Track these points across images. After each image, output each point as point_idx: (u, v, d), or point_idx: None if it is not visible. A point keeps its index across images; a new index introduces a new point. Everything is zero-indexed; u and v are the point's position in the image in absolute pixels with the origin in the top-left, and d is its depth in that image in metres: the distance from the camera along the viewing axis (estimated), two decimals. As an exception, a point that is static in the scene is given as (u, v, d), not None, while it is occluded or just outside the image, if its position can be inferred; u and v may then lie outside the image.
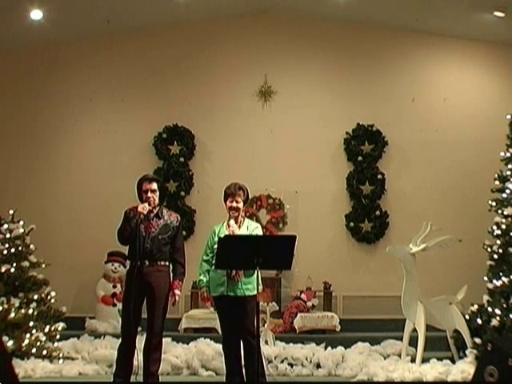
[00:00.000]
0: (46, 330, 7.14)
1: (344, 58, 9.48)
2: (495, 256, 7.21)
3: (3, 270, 7.11)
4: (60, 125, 9.34)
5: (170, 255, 5.76)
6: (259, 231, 5.81)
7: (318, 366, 7.14)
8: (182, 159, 9.23)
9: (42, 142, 9.26)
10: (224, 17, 9.33)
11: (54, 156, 9.30)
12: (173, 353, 7.10)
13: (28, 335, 6.90)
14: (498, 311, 6.79)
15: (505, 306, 6.80)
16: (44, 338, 7.03)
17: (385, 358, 7.18)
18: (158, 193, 5.76)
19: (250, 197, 6.02)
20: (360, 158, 9.24)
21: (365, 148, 9.26)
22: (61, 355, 7.01)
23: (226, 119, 9.34)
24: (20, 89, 9.31)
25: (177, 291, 5.71)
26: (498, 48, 9.30)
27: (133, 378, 5.75)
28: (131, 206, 5.82)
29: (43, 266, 7.48)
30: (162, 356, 5.81)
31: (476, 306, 7.13)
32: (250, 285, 5.56)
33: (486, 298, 7.10)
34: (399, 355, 7.13)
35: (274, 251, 5.13)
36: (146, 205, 5.66)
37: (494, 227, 7.32)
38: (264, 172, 9.11)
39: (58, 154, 9.31)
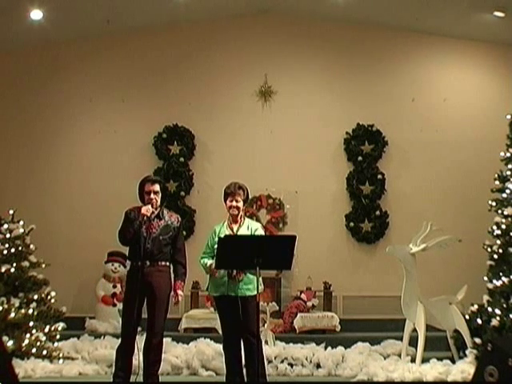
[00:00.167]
0: (46, 330, 7.14)
1: (344, 58, 9.48)
2: (495, 256, 7.21)
3: (3, 269, 7.11)
4: (60, 125, 9.34)
5: (171, 256, 5.77)
6: (261, 231, 5.81)
7: (318, 365, 7.14)
8: (182, 159, 9.24)
9: (42, 142, 9.26)
10: (224, 17, 9.33)
11: (54, 156, 9.30)
12: (173, 353, 7.10)
13: (28, 335, 6.90)
14: (497, 311, 6.79)
15: (505, 306, 6.80)
16: (44, 338, 7.03)
17: (385, 358, 7.18)
18: (160, 194, 5.77)
19: (250, 196, 6.02)
20: (360, 158, 9.24)
21: (365, 148, 9.26)
22: (61, 355, 7.01)
23: (226, 119, 9.34)
24: (20, 89, 9.31)
25: (180, 292, 5.72)
26: (498, 48, 9.31)
27: (133, 378, 5.75)
28: (132, 207, 5.82)
29: (43, 265, 7.48)
30: (162, 356, 5.81)
31: (476, 306, 7.13)
32: (251, 285, 5.56)
33: (486, 297, 7.10)
34: (399, 355, 7.13)
35: (274, 251, 5.13)
36: (150, 207, 5.66)
37: (494, 227, 7.32)
38: (264, 172, 9.11)
39: (58, 154, 9.31)
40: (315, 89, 9.45)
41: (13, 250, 7.30)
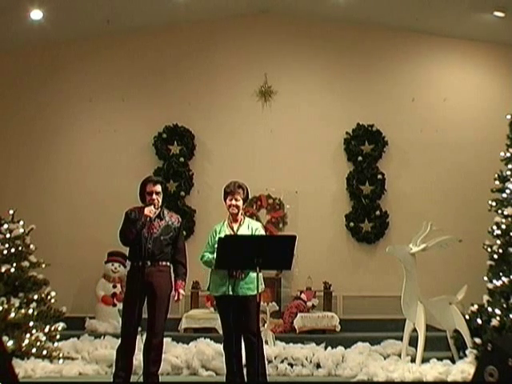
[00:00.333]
0: (46, 330, 7.14)
1: (344, 58, 9.48)
2: (495, 256, 7.21)
3: (3, 270, 7.11)
4: (60, 124, 9.34)
5: (172, 256, 5.77)
6: (261, 231, 5.81)
7: (318, 365, 7.14)
8: (182, 159, 9.24)
9: (42, 142, 9.26)
10: (224, 17, 9.33)
11: (54, 156, 9.30)
12: (173, 353, 7.10)
13: (28, 335, 6.90)
14: (498, 311, 6.79)
15: (505, 306, 6.80)
16: (44, 338, 7.03)
17: (385, 358, 7.18)
18: (161, 195, 5.77)
19: (249, 196, 6.02)
20: (360, 158, 9.24)
21: (365, 148, 9.26)
22: (61, 355, 7.01)
23: (226, 119, 9.35)
24: (20, 89, 9.31)
25: (181, 291, 5.74)
26: (498, 48, 9.30)
27: (133, 378, 5.75)
28: (132, 207, 5.82)
29: (43, 265, 7.48)
30: (162, 356, 5.81)
31: (476, 306, 7.13)
32: (252, 284, 5.55)
33: (485, 298, 7.10)
34: (399, 355, 7.13)
35: (274, 251, 5.13)
36: (152, 208, 5.67)
37: (494, 227, 7.32)
38: (264, 172, 9.11)
39: (57, 154, 9.31)
40: (315, 88, 9.46)
41: (13, 250, 7.30)
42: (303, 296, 8.40)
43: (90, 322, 8.28)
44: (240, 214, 5.77)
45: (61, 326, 7.34)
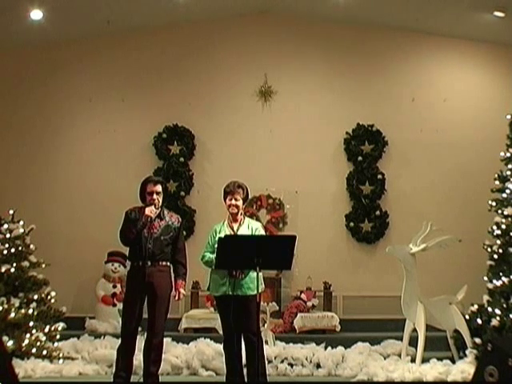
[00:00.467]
0: (46, 330, 7.14)
1: (344, 58, 9.48)
2: (495, 256, 7.21)
3: (3, 269, 7.11)
4: (60, 124, 9.34)
5: (172, 256, 5.78)
6: (261, 231, 5.81)
7: (318, 365, 7.14)
8: (182, 159, 9.23)
9: (42, 142, 9.26)
10: (224, 17, 9.33)
11: (54, 156, 9.30)
12: (173, 353, 7.09)
13: (28, 335, 6.90)
14: (498, 311, 6.79)
15: (505, 306, 6.80)
16: (44, 338, 7.03)
17: (385, 358, 7.18)
18: (162, 195, 5.78)
19: (249, 196, 6.02)
20: (360, 158, 9.24)
21: (365, 148, 9.26)
22: (61, 355, 7.01)
23: (226, 119, 9.34)
24: (20, 89, 9.31)
25: (182, 290, 5.75)
26: (498, 48, 9.30)
27: (133, 378, 5.75)
28: (132, 207, 5.83)
29: (43, 265, 7.48)
30: (162, 356, 5.81)
31: (476, 306, 7.13)
32: (252, 284, 5.56)
33: (486, 298, 7.10)
34: (399, 355, 7.13)
35: (274, 251, 5.14)
36: (153, 208, 5.68)
37: (494, 227, 7.32)
38: (264, 172, 9.11)
39: (57, 154, 9.31)
40: (315, 88, 9.45)
41: (13, 250, 7.30)
42: (303, 296, 8.40)
43: (89, 322, 8.28)
44: (240, 213, 5.77)
45: (61, 325, 7.34)
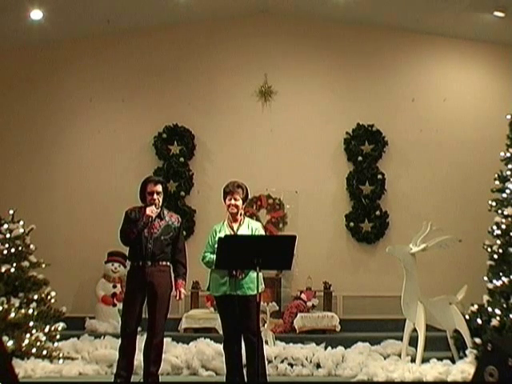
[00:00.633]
0: (46, 330, 7.14)
1: (344, 58, 9.48)
2: (495, 256, 7.21)
3: (3, 269, 7.11)
4: (60, 124, 9.33)
5: (171, 256, 5.77)
6: (261, 231, 5.81)
7: (318, 365, 7.14)
8: (182, 159, 9.23)
9: (42, 142, 9.26)
10: (224, 17, 9.33)
11: (54, 156, 9.30)
12: (173, 353, 7.09)
13: (28, 335, 6.90)
14: (497, 311, 6.78)
15: (505, 306, 6.80)
16: (44, 338, 7.03)
17: (385, 358, 7.18)
18: (162, 195, 5.78)
19: (249, 196, 6.02)
20: (360, 158, 9.24)
21: (365, 148, 9.26)
22: (61, 355, 7.01)
23: (226, 119, 9.35)
24: (20, 89, 9.31)
25: (182, 290, 5.75)
26: (497, 48, 9.30)
27: (133, 378, 5.75)
28: (132, 207, 5.83)
29: (43, 265, 7.47)
30: (162, 356, 5.81)
31: (476, 306, 7.12)
32: (252, 284, 5.55)
33: (485, 298, 7.09)
34: (399, 355, 7.13)
35: (274, 251, 5.13)
36: (154, 208, 5.67)
37: (494, 227, 7.31)
38: (264, 172, 9.11)
39: (57, 154, 9.31)
40: (315, 88, 9.45)
41: (13, 250, 7.30)
42: (303, 296, 8.39)
43: (89, 322, 8.28)
44: (240, 213, 5.76)
45: (61, 325, 7.34)
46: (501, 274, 7.04)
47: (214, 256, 5.50)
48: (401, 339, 7.19)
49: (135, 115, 9.34)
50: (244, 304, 5.55)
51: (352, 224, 9.17)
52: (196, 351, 7.14)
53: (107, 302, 8.51)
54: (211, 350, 7.10)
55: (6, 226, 7.40)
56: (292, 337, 7.84)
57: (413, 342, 7.01)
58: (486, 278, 7.25)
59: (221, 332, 6.06)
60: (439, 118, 9.36)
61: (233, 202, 5.70)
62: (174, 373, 6.95)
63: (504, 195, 7.41)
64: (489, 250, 7.33)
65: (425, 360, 6.78)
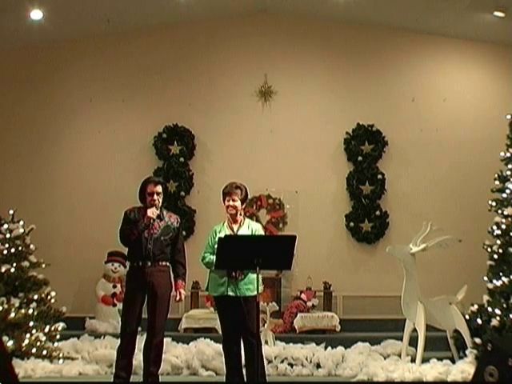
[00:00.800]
0: (46, 330, 7.14)
1: (344, 58, 9.48)
2: (495, 256, 7.20)
3: (3, 269, 7.11)
4: (60, 124, 9.33)
5: (171, 256, 5.77)
6: (261, 232, 5.80)
7: (318, 365, 7.14)
8: (182, 159, 9.24)
9: (42, 142, 9.26)
10: (224, 17, 9.33)
11: (54, 155, 9.30)
12: (173, 353, 7.09)
13: (28, 335, 6.90)
14: (498, 311, 6.78)
15: (505, 306, 6.79)
16: (44, 338, 7.03)
17: (385, 358, 7.18)
18: (162, 195, 5.77)
19: (249, 196, 6.01)
20: (360, 158, 9.24)
21: (365, 148, 9.26)
22: (61, 355, 7.01)
23: (226, 119, 9.35)
24: (20, 89, 9.31)
25: (182, 290, 5.74)
26: (497, 48, 9.30)
27: (133, 378, 5.75)
28: (131, 207, 5.82)
29: (43, 265, 7.47)
30: (162, 356, 5.81)
31: (476, 306, 7.12)
32: (251, 285, 5.55)
33: (485, 297, 7.09)
34: (399, 355, 7.13)
35: (273, 251, 5.12)
36: (154, 209, 5.67)
37: (494, 227, 7.31)
38: (264, 172, 9.11)
39: (57, 154, 9.31)
40: (315, 89, 9.46)
41: (13, 250, 7.30)
42: (303, 296, 8.39)
43: (89, 322, 8.28)
44: (239, 214, 5.75)
45: (61, 325, 7.34)
46: (501, 274, 7.04)
47: (214, 257, 5.50)
48: (401, 339, 7.19)
49: (135, 115, 9.35)
50: (243, 305, 5.55)
51: (352, 224, 9.17)
52: (196, 351, 7.14)
53: (107, 302, 8.51)
54: (211, 350, 7.10)
55: (5, 225, 7.40)
56: (292, 337, 7.83)
57: (413, 341, 7.01)
58: (485, 278, 7.24)
59: (221, 332, 6.06)
60: (439, 118, 9.36)
61: (231, 203, 5.69)
62: (174, 373, 6.95)
63: (504, 195, 7.40)
64: (489, 250, 7.33)
65: (425, 360, 6.77)
